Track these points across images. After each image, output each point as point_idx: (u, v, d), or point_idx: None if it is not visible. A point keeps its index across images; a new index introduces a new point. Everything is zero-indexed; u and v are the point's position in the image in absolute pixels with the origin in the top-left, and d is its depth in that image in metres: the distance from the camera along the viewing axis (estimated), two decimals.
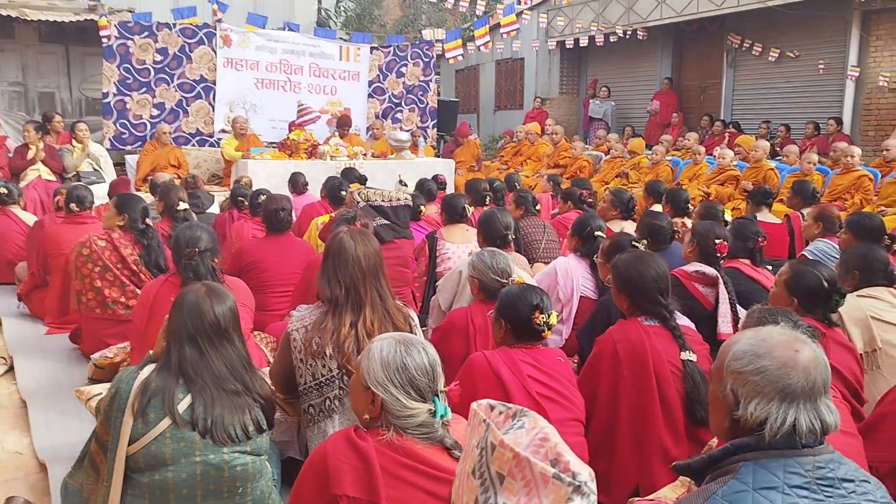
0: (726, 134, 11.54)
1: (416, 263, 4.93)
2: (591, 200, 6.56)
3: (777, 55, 11.73)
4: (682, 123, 13.00)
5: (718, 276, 3.67)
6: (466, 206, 4.72)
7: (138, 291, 3.81)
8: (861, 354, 3.22)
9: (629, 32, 13.10)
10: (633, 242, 3.69)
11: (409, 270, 4.60)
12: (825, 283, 2.83)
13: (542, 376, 2.47)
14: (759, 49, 11.95)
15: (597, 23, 13.62)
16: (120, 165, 9.69)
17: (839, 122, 10.43)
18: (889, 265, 3.37)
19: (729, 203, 8.18)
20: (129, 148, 9.75)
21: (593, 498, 1.05)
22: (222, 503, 2.17)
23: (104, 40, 9.36)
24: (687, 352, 2.70)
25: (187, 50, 9.92)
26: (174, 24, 9.92)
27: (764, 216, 5.68)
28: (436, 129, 12.07)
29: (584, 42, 13.76)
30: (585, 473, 1.04)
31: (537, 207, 5.87)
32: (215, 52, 10.08)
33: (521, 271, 3.69)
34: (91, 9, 10.52)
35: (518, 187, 7.86)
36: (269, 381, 2.52)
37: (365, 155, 9.48)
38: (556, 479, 1.01)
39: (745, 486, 1.41)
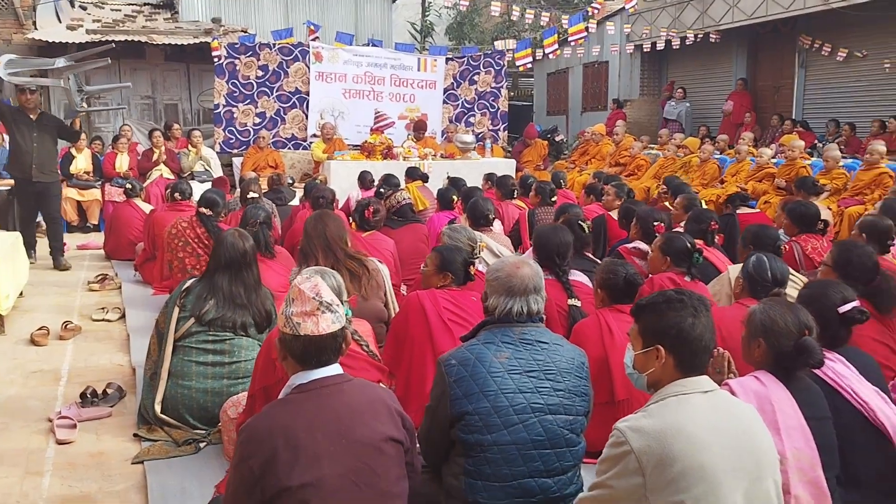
0: (795, 133, 11.87)
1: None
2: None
3: (845, 55, 11.95)
4: (755, 123, 13.33)
5: (649, 251, 4.55)
6: (455, 196, 5.76)
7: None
8: None
9: (700, 36, 13.59)
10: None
11: (424, 245, 5.72)
12: (689, 246, 3.72)
13: (454, 308, 3.50)
14: (829, 49, 12.18)
15: (666, 28, 14.16)
16: (228, 167, 11.33)
17: None
18: (778, 240, 4.15)
19: (763, 196, 8.76)
20: (235, 151, 11.39)
21: (339, 313, 2.13)
22: (224, 357, 3.55)
23: (215, 60, 11.03)
24: (573, 299, 3.67)
25: (285, 66, 11.46)
26: (274, 44, 11.48)
27: (741, 211, 6.39)
28: (507, 132, 13.07)
29: (660, 46, 14.33)
30: (328, 298, 2.11)
31: (553, 199, 6.80)
32: (308, 68, 11.56)
33: (491, 241, 4.74)
34: (206, 32, 12.26)
35: (563, 184, 8.81)
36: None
37: (434, 156, 10.64)
38: (312, 299, 2.10)
39: (477, 342, 2.44)
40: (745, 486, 1.88)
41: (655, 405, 1.99)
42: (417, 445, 2.52)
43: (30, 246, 7.23)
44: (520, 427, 2.33)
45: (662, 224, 4.70)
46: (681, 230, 4.84)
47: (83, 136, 8.96)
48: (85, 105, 7.43)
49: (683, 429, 1.88)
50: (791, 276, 3.92)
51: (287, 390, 2.15)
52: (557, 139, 16.61)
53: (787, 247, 4.21)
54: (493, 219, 5.14)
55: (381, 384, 3.22)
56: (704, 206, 8.00)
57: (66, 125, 7.28)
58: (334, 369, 2.16)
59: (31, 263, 6.98)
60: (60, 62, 6.82)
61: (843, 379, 2.55)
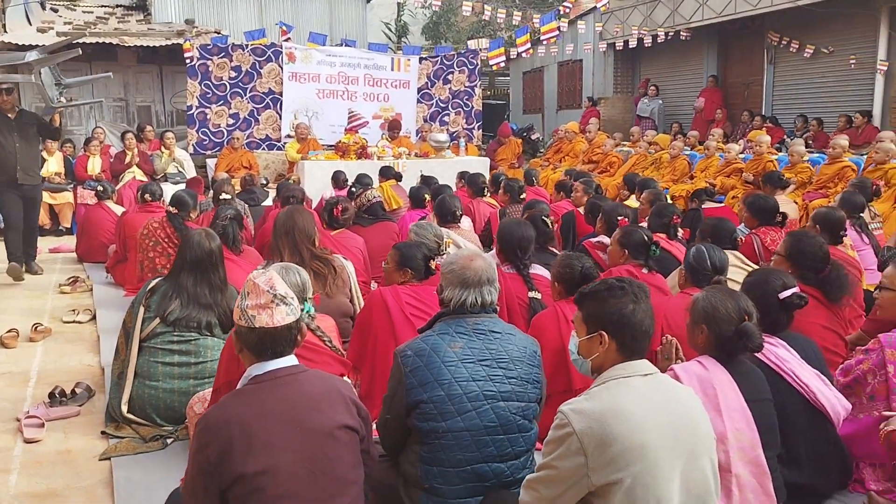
0: (763, 128, 12.06)
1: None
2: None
3: (812, 51, 12.16)
4: (726, 119, 13.53)
5: None
6: (426, 195, 5.85)
7: None
8: None
9: (671, 34, 13.76)
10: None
11: (395, 243, 5.78)
12: (646, 239, 3.82)
13: (416, 302, 3.58)
14: (797, 46, 12.40)
15: (637, 26, 14.32)
16: (202, 168, 11.31)
17: (865, 114, 10.84)
18: (734, 233, 4.26)
19: (731, 191, 8.92)
20: (209, 152, 11.39)
21: (294, 306, 2.19)
22: (189, 358, 3.57)
23: (187, 61, 11.02)
24: (533, 291, 3.75)
25: (258, 67, 11.48)
26: (246, 45, 11.49)
27: (707, 205, 6.53)
28: (481, 130, 13.17)
29: (633, 44, 14.48)
30: (282, 291, 2.18)
31: (522, 196, 6.89)
32: (282, 68, 11.59)
33: (459, 238, 4.82)
34: (179, 33, 12.24)
35: (535, 181, 8.93)
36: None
37: (409, 155, 10.69)
38: (266, 292, 2.16)
39: (433, 333, 2.52)
40: (683, 464, 1.97)
41: (597, 388, 2.07)
42: (375, 434, 2.59)
43: (18, 259, 6.88)
44: (473, 414, 2.40)
45: (626, 219, 4.79)
46: (645, 224, 4.95)
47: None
48: (63, 100, 7.13)
49: (623, 410, 1.96)
50: (746, 266, 4.04)
51: (244, 381, 2.21)
52: (533, 137, 16.76)
53: (742, 239, 4.32)
54: (461, 216, 5.22)
55: (345, 378, 3.30)
56: (671, 200, 8.23)
57: (45, 122, 6.96)
58: (289, 360, 2.22)
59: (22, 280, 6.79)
60: (31, 56, 6.53)
61: (784, 363, 2.65)
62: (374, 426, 2.68)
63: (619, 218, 4.81)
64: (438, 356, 2.44)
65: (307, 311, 3.01)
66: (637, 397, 2.00)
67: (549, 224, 4.54)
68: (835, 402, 2.66)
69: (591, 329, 2.14)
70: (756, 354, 2.61)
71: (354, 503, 2.19)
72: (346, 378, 3.31)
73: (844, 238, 4.40)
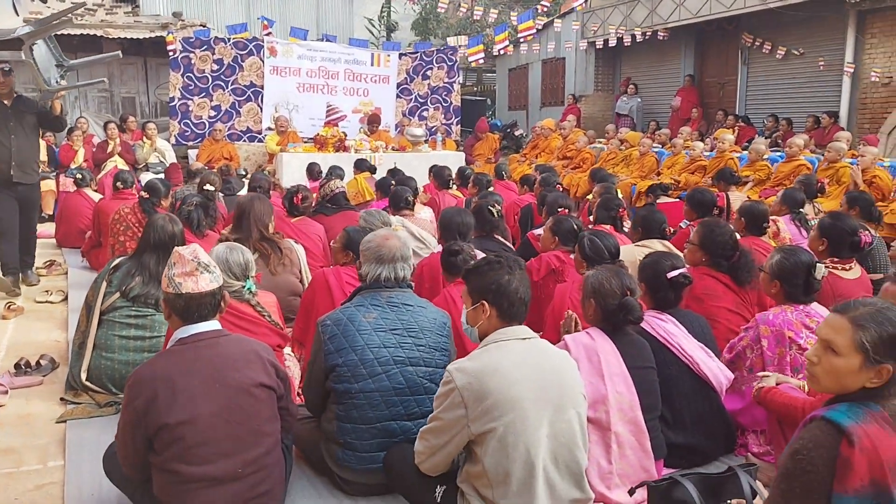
0: (736, 128, 12.36)
1: None
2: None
3: (783, 53, 12.46)
4: (701, 118, 13.83)
5: None
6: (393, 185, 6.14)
7: None
8: None
9: (649, 34, 14.04)
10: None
11: None
12: (575, 227, 4.10)
13: (356, 283, 3.82)
14: (769, 47, 12.68)
15: (616, 25, 14.60)
16: (184, 158, 11.54)
17: (832, 115, 11.14)
18: (664, 224, 4.55)
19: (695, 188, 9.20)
20: (190, 143, 11.62)
21: (216, 274, 2.46)
22: (144, 332, 3.84)
23: (170, 53, 11.24)
24: None
25: (239, 60, 11.71)
26: (228, 39, 11.72)
27: (661, 200, 6.82)
28: (460, 126, 13.43)
29: (612, 43, 14.75)
30: (206, 260, 2.44)
31: (490, 189, 7.17)
32: (263, 62, 11.83)
33: (412, 225, 5.08)
34: (163, 26, 12.45)
35: (505, 176, 9.22)
36: None
37: (385, 149, 10.95)
38: (191, 261, 2.42)
39: (350, 305, 2.79)
40: (550, 415, 2.25)
41: (479, 350, 2.35)
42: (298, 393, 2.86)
43: (13, 271, 6.05)
44: (383, 377, 2.68)
45: (568, 209, 5.06)
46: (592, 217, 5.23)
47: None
48: (63, 82, 6.26)
49: (498, 368, 2.24)
50: None
51: (171, 343, 2.48)
52: (517, 133, 17.04)
53: (670, 230, 4.61)
54: (413, 203, 5.51)
55: (286, 349, 3.58)
56: (638, 195, 8.51)
57: (46, 111, 6.04)
58: (213, 325, 2.49)
59: (17, 294, 5.92)
60: (23, 30, 5.61)
61: (672, 336, 2.93)
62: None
63: (560, 209, 5.07)
64: (354, 325, 2.71)
65: (248, 289, 3.29)
66: (512, 357, 2.28)
67: (495, 213, 4.80)
68: (717, 373, 2.95)
69: (475, 300, 2.41)
70: (645, 328, 2.89)
71: (269, 453, 2.47)
72: (286, 349, 3.59)
73: (767, 229, 4.68)
